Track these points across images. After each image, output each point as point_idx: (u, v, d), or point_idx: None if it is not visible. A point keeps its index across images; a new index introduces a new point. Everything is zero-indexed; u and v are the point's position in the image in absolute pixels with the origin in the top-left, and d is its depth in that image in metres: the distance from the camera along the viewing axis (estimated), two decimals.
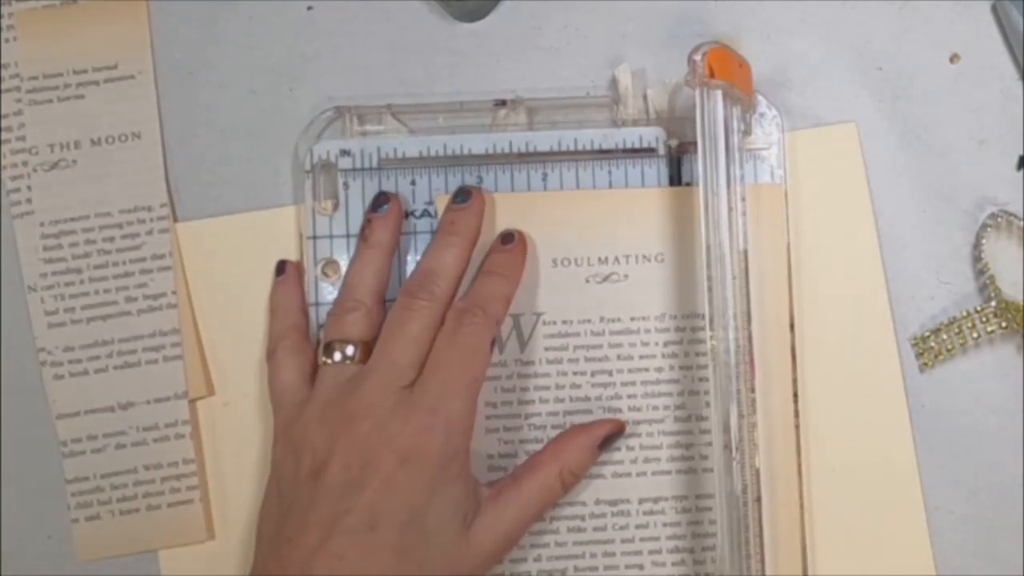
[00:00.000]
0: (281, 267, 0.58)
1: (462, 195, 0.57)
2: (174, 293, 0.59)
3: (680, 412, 0.57)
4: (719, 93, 0.54)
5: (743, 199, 0.56)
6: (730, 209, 0.54)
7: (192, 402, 0.59)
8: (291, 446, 0.53)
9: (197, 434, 0.59)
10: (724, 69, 0.54)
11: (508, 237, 0.57)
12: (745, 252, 0.56)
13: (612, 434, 0.57)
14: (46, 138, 0.60)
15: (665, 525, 0.57)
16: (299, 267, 0.58)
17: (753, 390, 0.56)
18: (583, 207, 0.58)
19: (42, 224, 0.59)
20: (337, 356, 0.54)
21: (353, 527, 0.51)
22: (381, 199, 0.57)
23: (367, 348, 0.55)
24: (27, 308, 0.59)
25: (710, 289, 0.54)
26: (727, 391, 0.53)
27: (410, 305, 0.54)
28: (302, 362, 0.56)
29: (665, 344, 0.58)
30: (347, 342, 0.55)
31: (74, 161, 0.60)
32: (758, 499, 0.55)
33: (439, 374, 0.53)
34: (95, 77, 0.60)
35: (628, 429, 0.57)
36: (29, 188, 0.59)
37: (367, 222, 0.57)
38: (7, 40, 0.60)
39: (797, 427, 0.57)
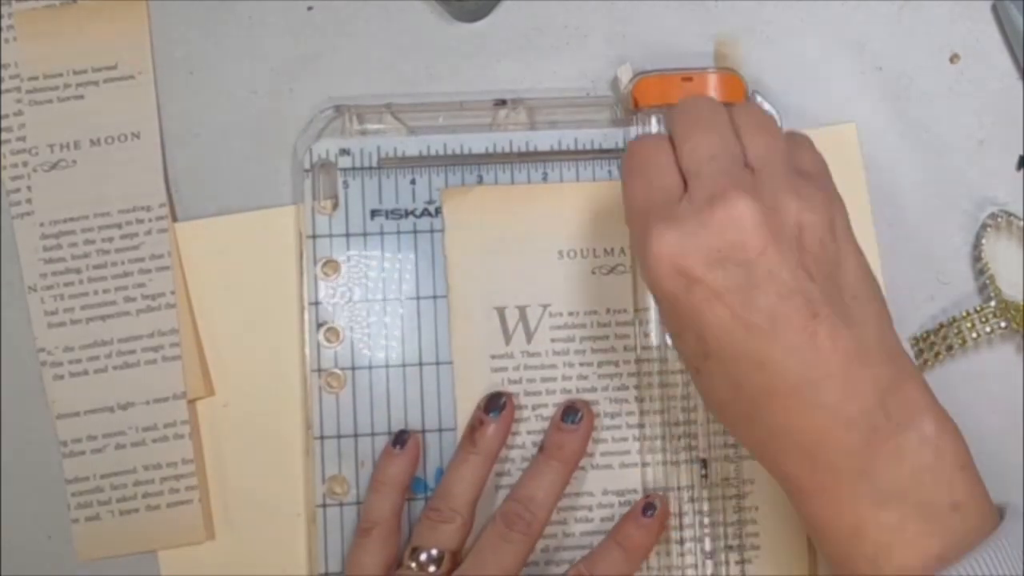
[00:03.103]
0: (401, 438, 0.57)
1: (571, 414, 0.56)
2: (172, 293, 0.59)
3: (685, 403, 0.57)
4: (652, 118, 0.57)
5: None
6: None
7: (191, 402, 0.59)
8: None
9: (197, 434, 0.59)
10: (658, 94, 0.57)
11: (650, 505, 0.56)
12: None
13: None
14: (46, 138, 0.60)
15: (671, 515, 0.57)
16: (419, 441, 0.57)
17: None
18: (588, 199, 0.58)
19: (42, 224, 0.59)
20: (423, 557, 0.55)
21: None
22: (496, 401, 0.57)
23: (452, 556, 0.55)
24: (27, 308, 0.59)
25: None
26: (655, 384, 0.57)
27: (506, 536, 0.55)
28: (389, 553, 0.56)
29: (670, 335, 0.58)
30: (435, 548, 0.55)
31: (74, 161, 0.60)
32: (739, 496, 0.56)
33: None
34: (95, 77, 0.60)
35: (635, 420, 0.58)
36: (29, 188, 0.59)
37: (479, 423, 0.56)
38: (7, 40, 0.60)
39: None
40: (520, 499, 0.55)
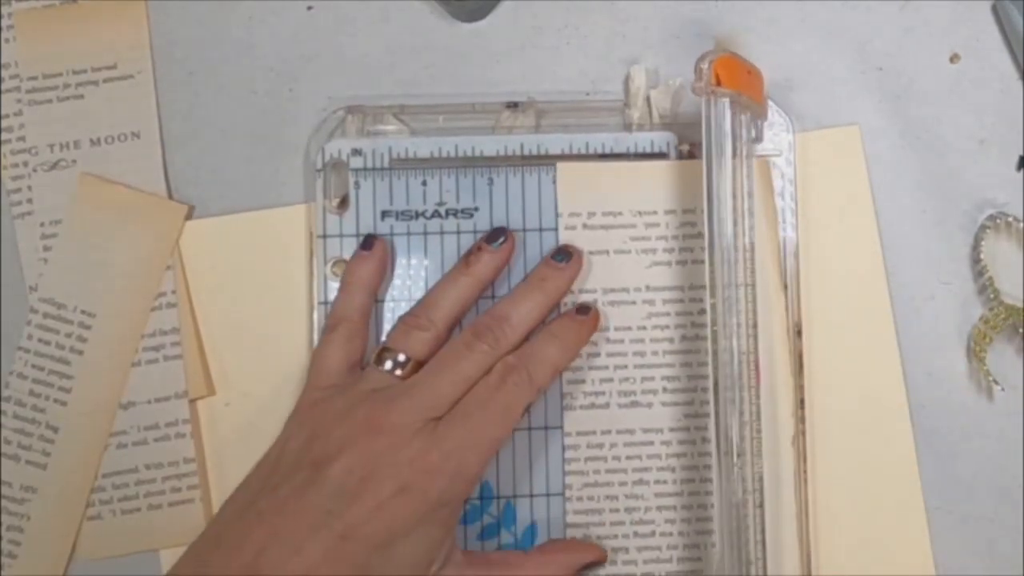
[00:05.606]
0: (369, 242, 0.57)
1: (563, 255, 0.57)
2: (173, 292, 0.59)
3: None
4: (726, 102, 0.53)
5: (750, 205, 0.57)
6: (737, 214, 0.54)
7: (193, 401, 0.59)
8: (308, 427, 0.53)
9: (199, 433, 0.59)
10: (732, 78, 0.53)
11: (584, 308, 0.57)
12: (752, 260, 0.56)
13: (594, 563, 0.57)
14: (46, 138, 0.60)
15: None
16: (386, 245, 0.58)
17: (758, 396, 0.56)
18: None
19: (42, 224, 0.59)
20: (388, 365, 0.54)
21: (327, 528, 0.50)
22: (500, 233, 0.57)
23: (418, 366, 0.54)
24: (27, 308, 0.59)
25: (714, 296, 0.53)
26: (729, 399, 0.53)
27: (472, 345, 0.54)
28: (353, 349, 0.56)
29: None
30: (403, 354, 0.55)
31: (74, 161, 0.60)
32: (760, 505, 0.55)
33: (467, 423, 0.52)
34: (94, 77, 0.60)
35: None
36: (29, 188, 0.59)
37: (478, 249, 0.57)
38: (7, 40, 0.60)
39: (803, 433, 0.57)
40: (494, 316, 0.55)
